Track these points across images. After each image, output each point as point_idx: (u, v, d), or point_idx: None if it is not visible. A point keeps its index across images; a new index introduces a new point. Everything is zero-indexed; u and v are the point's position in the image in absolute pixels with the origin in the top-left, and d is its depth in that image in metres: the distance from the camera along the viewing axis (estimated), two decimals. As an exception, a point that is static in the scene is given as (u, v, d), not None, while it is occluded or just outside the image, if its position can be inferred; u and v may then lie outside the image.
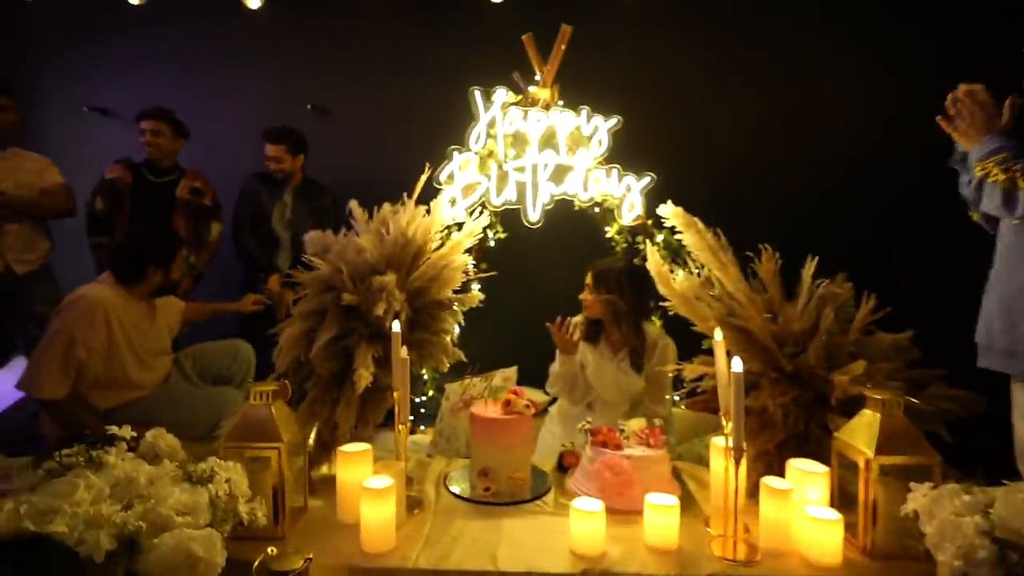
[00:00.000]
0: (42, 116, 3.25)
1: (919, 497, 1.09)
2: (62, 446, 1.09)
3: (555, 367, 2.14)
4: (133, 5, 2.97)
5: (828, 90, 3.04)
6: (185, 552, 0.94)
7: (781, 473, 1.40)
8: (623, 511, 1.41)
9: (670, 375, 2.10)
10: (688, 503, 1.52)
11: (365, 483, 1.28)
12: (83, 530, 0.89)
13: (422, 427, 2.69)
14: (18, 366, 2.59)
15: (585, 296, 2.08)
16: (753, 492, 1.42)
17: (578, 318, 2.20)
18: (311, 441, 1.60)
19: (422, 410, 2.76)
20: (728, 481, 1.28)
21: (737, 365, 1.22)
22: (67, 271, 2.78)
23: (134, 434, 1.16)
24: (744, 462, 1.38)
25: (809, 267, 1.67)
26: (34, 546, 0.85)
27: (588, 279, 2.08)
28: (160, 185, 2.82)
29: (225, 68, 3.28)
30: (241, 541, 1.18)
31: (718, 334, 1.40)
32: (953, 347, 1.57)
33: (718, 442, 1.48)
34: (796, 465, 1.36)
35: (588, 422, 1.67)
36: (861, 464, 1.24)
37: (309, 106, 3.23)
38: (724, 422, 1.32)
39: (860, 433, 1.28)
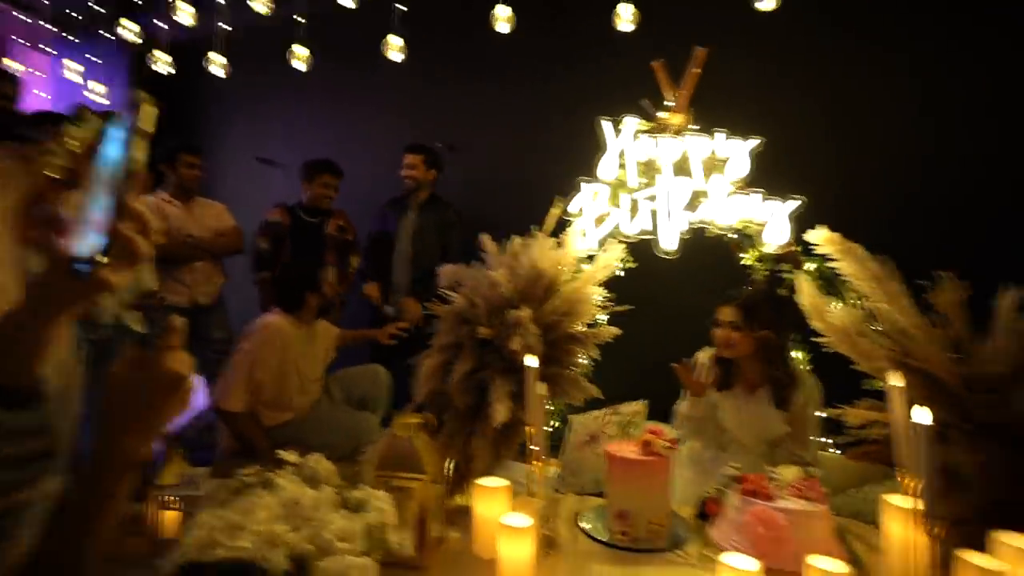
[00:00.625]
0: (218, 167, 3.79)
1: None
2: (233, 456, 1.22)
3: (683, 408, 2.03)
4: (295, 70, 3.38)
5: (1009, 92, 2.64)
6: (345, 578, 0.99)
7: (980, 548, 1.16)
8: (778, 572, 1.27)
9: (817, 415, 1.91)
10: (857, 570, 1.34)
11: (503, 520, 1.27)
12: (265, 548, 0.98)
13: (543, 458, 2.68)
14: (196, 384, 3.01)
15: (727, 334, 1.95)
16: (939, 565, 1.19)
17: (703, 356, 2.07)
18: (449, 473, 1.64)
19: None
20: (914, 552, 1.12)
21: (924, 417, 1.06)
22: (236, 303, 3.18)
23: (300, 459, 1.27)
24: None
25: (1004, 297, 1.44)
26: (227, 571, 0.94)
27: (730, 315, 1.95)
28: (313, 225, 3.16)
29: (367, 118, 3.61)
30: (387, 569, 1.23)
31: (896, 378, 1.24)
32: None
33: (893, 501, 1.29)
34: (1005, 540, 1.15)
35: (734, 467, 1.56)
36: (1100, 546, 1.01)
37: (439, 144, 3.43)
38: (900, 478, 1.16)
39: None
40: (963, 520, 1.29)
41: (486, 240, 1.92)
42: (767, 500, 1.41)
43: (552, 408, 2.67)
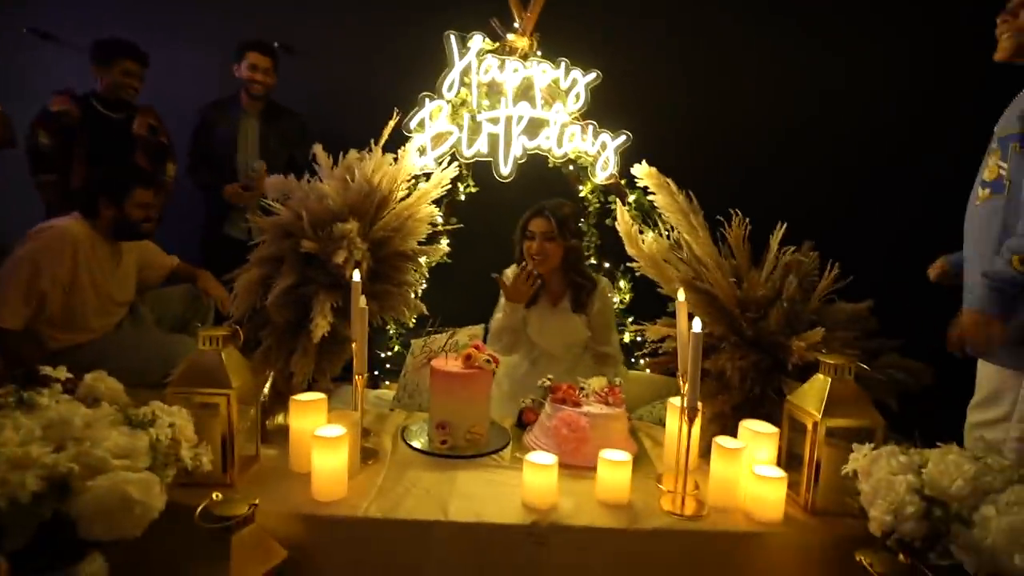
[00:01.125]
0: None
1: (859, 457, 1.12)
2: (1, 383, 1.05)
3: (498, 320, 2.10)
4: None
5: (807, 50, 2.98)
6: (120, 494, 0.92)
7: (735, 434, 1.43)
8: (579, 467, 1.43)
9: (613, 312, 2.11)
10: (642, 461, 1.55)
11: (317, 432, 1.26)
12: (7, 470, 0.86)
13: (387, 382, 2.70)
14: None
15: (542, 245, 1.99)
16: (706, 452, 1.44)
17: (510, 273, 2.14)
18: (266, 390, 1.58)
19: (387, 365, 2.76)
20: (681, 440, 1.31)
21: (697, 326, 1.23)
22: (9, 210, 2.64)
23: (70, 375, 1.12)
24: (699, 422, 1.42)
25: (777, 233, 1.68)
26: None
27: (544, 227, 1.99)
28: (115, 121, 2.67)
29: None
30: (188, 488, 1.16)
31: (681, 295, 1.41)
32: (911, 319, 1.60)
33: (675, 402, 1.50)
34: (748, 426, 1.40)
35: (549, 379, 1.68)
36: (809, 426, 1.28)
37: (276, 44, 3.06)
38: (681, 382, 1.33)
39: (811, 396, 1.31)
40: (723, 414, 1.56)
41: (319, 151, 1.79)
42: (575, 406, 1.55)
43: (391, 331, 2.69)
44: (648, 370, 2.20)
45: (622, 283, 2.53)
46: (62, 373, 1.12)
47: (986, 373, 1.34)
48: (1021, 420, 1.23)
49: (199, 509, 1.06)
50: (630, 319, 2.58)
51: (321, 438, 1.24)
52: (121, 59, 2.61)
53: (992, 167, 1.34)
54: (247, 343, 1.59)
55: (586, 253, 2.32)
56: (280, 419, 1.64)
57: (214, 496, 1.12)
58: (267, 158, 2.81)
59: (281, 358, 1.57)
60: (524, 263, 2.05)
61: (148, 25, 2.97)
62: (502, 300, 2.14)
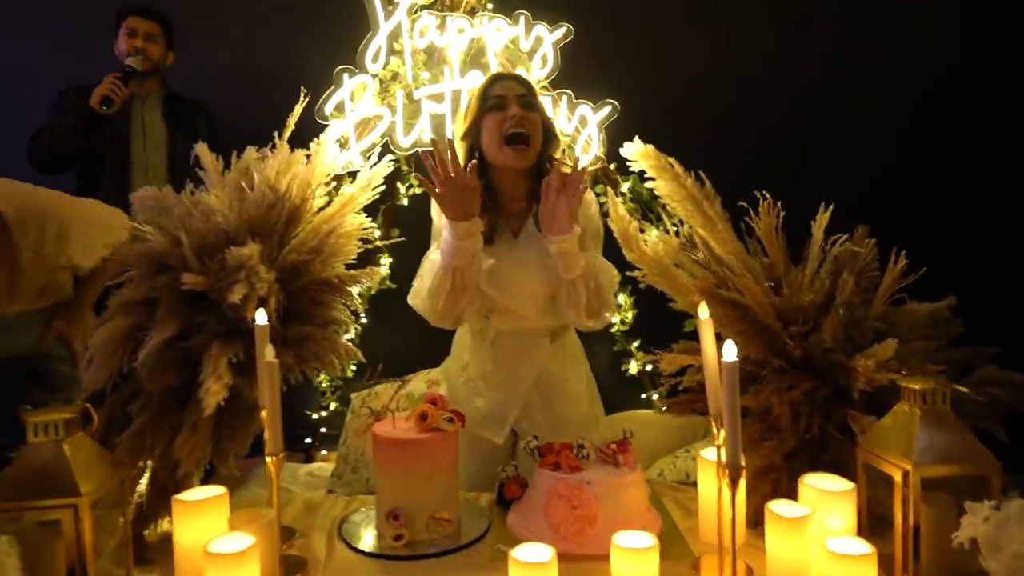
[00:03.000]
0: None
1: (978, 522, 1.02)
2: None
3: (431, 264, 1.71)
4: None
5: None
6: None
7: (793, 494, 1.34)
8: (586, 556, 1.33)
9: (599, 215, 1.85)
10: (672, 540, 1.45)
11: (210, 547, 1.11)
12: None
13: (324, 451, 2.64)
14: None
15: (523, 115, 1.71)
16: (756, 520, 1.36)
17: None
18: (142, 488, 1.45)
19: (323, 429, 2.67)
20: (722, 509, 1.20)
21: (731, 352, 1.13)
22: None
23: None
24: (743, 482, 1.32)
25: (821, 220, 1.62)
26: None
27: (517, 88, 1.76)
28: None
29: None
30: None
31: (704, 311, 1.31)
32: (1008, 319, 1.53)
33: (706, 455, 1.41)
34: (811, 483, 1.30)
35: (535, 438, 1.58)
36: (897, 478, 1.18)
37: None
38: (714, 429, 1.24)
39: (894, 437, 1.22)
40: (773, 466, 1.46)
41: (203, 152, 1.69)
42: (573, 472, 1.45)
43: (324, 385, 2.59)
44: (663, 410, 2.10)
45: (621, 297, 2.46)
46: None
47: None
48: None
49: None
50: (635, 344, 2.51)
51: (216, 555, 1.09)
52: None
53: None
54: (111, 421, 1.46)
55: None
56: (165, 525, 1.48)
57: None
58: (172, 160, 2.76)
59: (161, 441, 1.43)
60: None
61: None
62: (436, 223, 1.81)
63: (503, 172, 1.77)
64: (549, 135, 1.79)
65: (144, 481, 1.46)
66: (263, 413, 1.31)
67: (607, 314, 1.79)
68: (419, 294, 1.74)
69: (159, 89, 2.84)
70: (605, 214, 1.75)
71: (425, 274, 1.73)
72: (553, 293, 1.75)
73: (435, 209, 1.79)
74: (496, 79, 1.81)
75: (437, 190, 1.58)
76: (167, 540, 1.40)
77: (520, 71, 2.03)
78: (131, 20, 2.74)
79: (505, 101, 1.73)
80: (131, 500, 1.37)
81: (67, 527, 1.11)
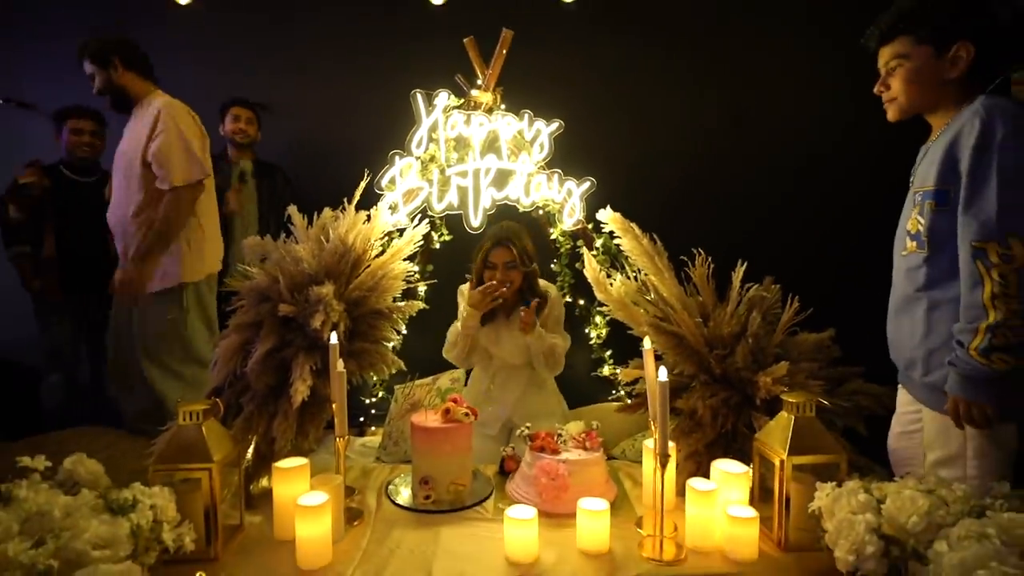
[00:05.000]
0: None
1: (823, 497, 1.15)
2: None
3: (455, 328, 2.17)
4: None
5: (767, 99, 3.12)
6: (101, 588, 0.92)
7: (710, 472, 1.46)
8: (561, 515, 1.45)
9: (563, 311, 2.24)
10: (623, 504, 1.57)
11: (299, 500, 1.26)
12: (-12, 574, 0.86)
13: (372, 428, 2.70)
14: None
15: (506, 274, 2.08)
16: (684, 491, 1.44)
17: (466, 287, 2.22)
18: (249, 456, 1.57)
19: (372, 411, 2.76)
20: (656, 483, 1.33)
21: (663, 375, 1.26)
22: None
23: (48, 464, 1.13)
24: (672, 464, 1.46)
25: (738, 271, 1.73)
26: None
27: (506, 256, 2.08)
28: (84, 186, 2.69)
29: (157, 61, 3.12)
30: (173, 566, 1.16)
31: (647, 343, 1.44)
32: (873, 344, 1.65)
33: (649, 444, 1.52)
34: (719, 466, 1.42)
35: (527, 427, 1.70)
36: (776, 464, 1.31)
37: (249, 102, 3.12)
38: (652, 427, 1.36)
39: (776, 434, 1.35)
40: (697, 452, 1.59)
41: (294, 213, 1.83)
42: (553, 454, 1.57)
43: (375, 379, 2.69)
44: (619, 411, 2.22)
45: (598, 319, 2.57)
46: (41, 462, 1.12)
47: (930, 417, 1.37)
48: (975, 458, 1.26)
49: (181, 591, 1.07)
50: (608, 352, 2.62)
51: (304, 507, 1.25)
52: (70, 118, 2.66)
53: (913, 220, 1.36)
54: (228, 408, 1.61)
55: (561, 292, 2.38)
56: (264, 482, 1.63)
57: (198, 575, 1.12)
58: (262, 212, 2.88)
59: (263, 423, 1.57)
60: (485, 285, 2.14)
61: None
62: (461, 309, 2.22)
63: None
64: (528, 276, 2.13)
65: (250, 451, 1.58)
66: (334, 406, 1.47)
67: (558, 369, 2.19)
68: (449, 351, 2.21)
69: (252, 156, 2.97)
70: (581, 267, 1.89)
71: (449, 334, 2.19)
72: (530, 352, 2.14)
73: (461, 301, 2.20)
74: (494, 245, 2.09)
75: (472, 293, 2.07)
76: (265, 494, 1.55)
77: (523, 156, 2.13)
78: (234, 109, 2.88)
79: (495, 266, 2.10)
80: (243, 464, 1.49)
81: (204, 483, 1.27)
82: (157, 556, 1.12)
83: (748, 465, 1.43)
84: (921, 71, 1.35)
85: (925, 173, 1.35)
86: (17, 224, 2.57)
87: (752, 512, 1.28)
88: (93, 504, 1.08)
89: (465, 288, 2.24)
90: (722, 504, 1.33)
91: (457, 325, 2.17)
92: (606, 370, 2.58)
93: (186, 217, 2.26)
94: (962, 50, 1.31)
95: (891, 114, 1.45)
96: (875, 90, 1.46)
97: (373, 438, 2.54)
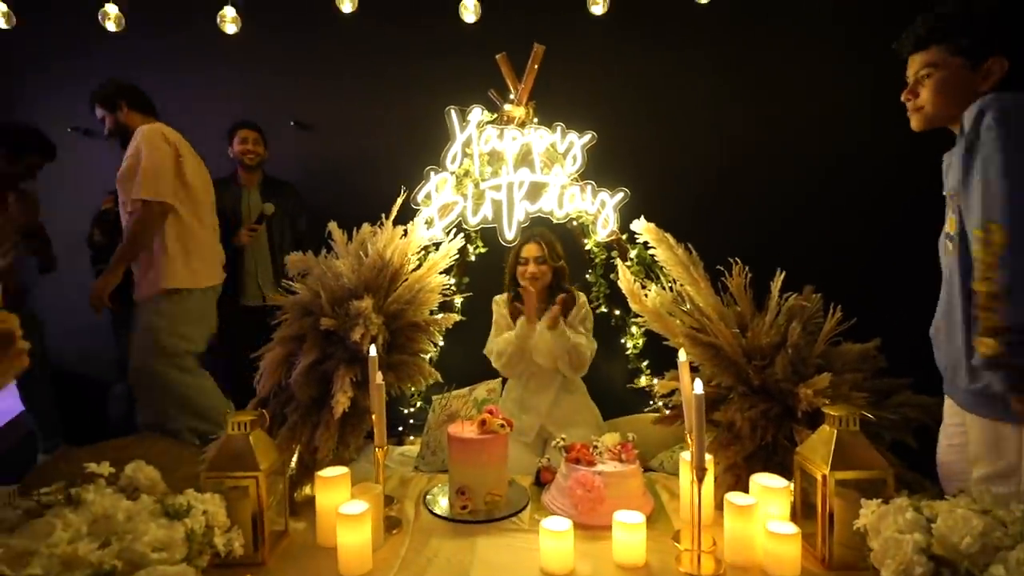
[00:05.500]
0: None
1: (868, 514, 1.12)
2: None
3: (508, 341, 2.21)
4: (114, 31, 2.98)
5: (799, 106, 3.05)
6: (159, 589, 0.98)
7: (748, 484, 1.43)
8: (597, 527, 1.45)
9: (591, 315, 2.30)
10: (660, 517, 1.56)
11: (341, 509, 1.31)
12: (59, 571, 0.93)
13: (411, 437, 2.73)
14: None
15: (536, 268, 2.18)
16: (722, 505, 1.42)
17: (500, 299, 2.31)
18: (292, 464, 1.64)
19: (411, 421, 2.80)
20: (694, 496, 1.31)
21: (699, 388, 1.25)
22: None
23: (112, 470, 1.21)
24: (710, 477, 1.44)
25: (777, 280, 1.71)
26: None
27: (536, 251, 2.18)
28: None
29: (206, 83, 3.30)
30: (222, 569, 1.22)
31: (682, 355, 1.44)
32: (921, 354, 1.59)
33: (686, 457, 1.50)
34: (759, 481, 1.40)
35: (563, 439, 1.71)
36: (818, 479, 1.28)
37: (292, 122, 3.26)
38: (688, 440, 1.35)
39: (818, 448, 1.32)
40: (736, 465, 1.56)
41: (334, 229, 1.90)
42: (589, 466, 1.58)
43: (413, 389, 2.74)
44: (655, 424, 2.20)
45: (634, 329, 2.56)
46: (105, 468, 1.20)
47: (978, 427, 1.31)
48: None
49: (232, 594, 1.12)
50: (644, 363, 2.60)
51: (345, 515, 1.29)
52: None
53: (951, 219, 1.34)
54: (273, 418, 1.67)
55: (596, 303, 2.38)
56: (307, 490, 1.68)
57: (246, 578, 1.17)
58: (271, 228, 2.98)
59: (306, 433, 1.63)
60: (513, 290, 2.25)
61: (167, 110, 3.20)
62: (498, 322, 2.30)
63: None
64: (556, 271, 2.22)
65: (294, 460, 1.64)
66: (373, 417, 1.51)
67: (582, 370, 2.23)
68: (498, 361, 2.25)
69: (261, 176, 3.06)
70: (616, 278, 1.90)
71: (497, 346, 2.23)
72: (560, 350, 2.17)
73: (496, 311, 2.31)
74: (525, 241, 2.21)
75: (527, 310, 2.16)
76: (308, 501, 1.61)
77: (556, 168, 2.16)
78: (242, 132, 2.97)
79: (527, 261, 2.20)
80: (287, 473, 1.55)
81: (252, 490, 1.33)
82: (209, 560, 1.18)
83: (788, 479, 1.40)
84: (952, 82, 1.33)
85: (952, 177, 1.32)
86: (100, 246, 2.78)
87: (794, 528, 1.26)
88: (151, 509, 1.15)
89: (500, 298, 2.30)
90: (762, 519, 1.31)
91: (500, 340, 2.23)
92: (643, 381, 2.55)
93: (151, 233, 2.33)
94: (996, 64, 1.28)
95: (915, 123, 1.42)
96: (902, 98, 1.43)
97: (411, 447, 2.55)
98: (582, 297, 2.28)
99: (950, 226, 1.34)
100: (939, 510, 1.06)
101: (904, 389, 1.61)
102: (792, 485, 1.39)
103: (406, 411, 2.80)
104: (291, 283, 1.82)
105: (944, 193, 1.41)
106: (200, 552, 1.13)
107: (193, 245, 2.45)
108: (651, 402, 2.59)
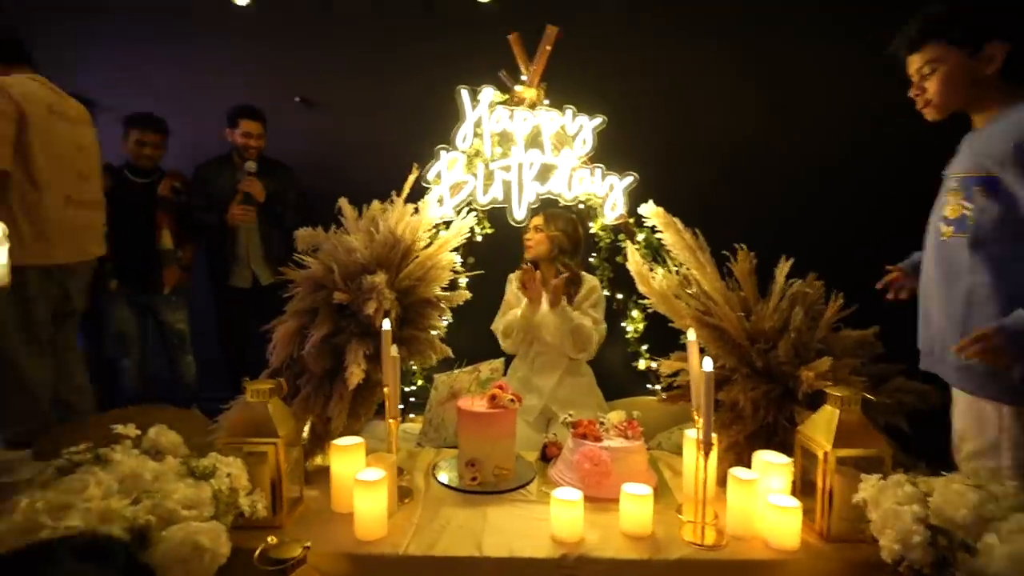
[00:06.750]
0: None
1: (868, 488, 1.19)
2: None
3: (513, 319, 2.30)
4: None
5: (808, 93, 3.10)
6: (192, 544, 1.02)
7: (750, 462, 1.49)
8: (602, 499, 1.50)
9: (602, 299, 2.35)
10: (663, 491, 1.62)
11: (358, 476, 1.36)
12: (97, 523, 0.97)
13: (411, 415, 2.77)
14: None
15: (531, 236, 2.28)
16: (724, 481, 1.50)
17: (514, 277, 2.40)
18: (305, 434, 1.67)
19: (411, 399, 2.84)
20: (698, 472, 1.38)
21: (708, 365, 1.30)
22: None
23: (138, 432, 1.24)
24: (714, 453, 1.49)
25: (782, 267, 1.76)
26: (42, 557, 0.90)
27: (536, 222, 2.28)
28: (140, 186, 2.87)
29: (211, 58, 3.27)
30: (242, 531, 1.26)
31: (691, 334, 1.48)
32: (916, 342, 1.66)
33: (691, 435, 1.57)
34: (761, 457, 1.46)
35: (570, 415, 1.76)
36: (820, 456, 1.34)
37: (297, 98, 3.24)
38: (695, 417, 1.41)
39: (820, 427, 1.38)
40: (738, 443, 1.63)
41: (344, 205, 1.91)
42: (596, 441, 1.63)
43: (415, 368, 2.78)
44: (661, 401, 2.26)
45: (635, 313, 2.62)
46: (132, 430, 1.23)
47: (962, 406, 1.39)
48: (1011, 449, 1.27)
49: (257, 552, 1.16)
50: (645, 347, 2.66)
51: (363, 482, 1.34)
52: (135, 127, 2.81)
53: (955, 206, 1.38)
54: (285, 393, 1.70)
55: (600, 285, 2.41)
56: (319, 460, 1.73)
57: (269, 540, 1.21)
58: (266, 205, 2.96)
59: (319, 404, 1.66)
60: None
61: (183, 85, 3.18)
62: (509, 300, 2.40)
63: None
64: (551, 239, 2.28)
65: (306, 430, 1.67)
66: (386, 390, 1.54)
67: (587, 352, 2.29)
68: (504, 340, 2.37)
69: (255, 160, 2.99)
70: (625, 257, 1.93)
71: (504, 323, 2.34)
72: (566, 328, 2.24)
73: (509, 288, 2.40)
74: (534, 214, 2.29)
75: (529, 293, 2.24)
76: (320, 470, 1.66)
77: (566, 150, 2.18)
78: (245, 123, 2.91)
79: (528, 230, 2.29)
80: (300, 442, 1.58)
81: (270, 456, 1.37)
82: (232, 521, 1.22)
83: (788, 458, 1.46)
84: (955, 73, 1.38)
85: (970, 161, 1.37)
86: None
87: (794, 501, 1.32)
88: (177, 470, 1.18)
89: (514, 276, 2.37)
90: (763, 493, 1.37)
91: (507, 318, 2.30)
92: (642, 364, 2.62)
93: None
94: (996, 49, 1.34)
95: (929, 115, 1.48)
96: (910, 94, 1.48)
97: (413, 424, 2.59)
98: (593, 281, 2.33)
99: (952, 211, 1.39)
100: (935, 486, 1.13)
101: (899, 375, 1.67)
102: (792, 462, 1.44)
103: (407, 389, 2.84)
104: (302, 257, 1.84)
105: (944, 173, 1.46)
106: (226, 512, 1.17)
107: (36, 218, 2.09)
108: (648, 385, 2.67)
